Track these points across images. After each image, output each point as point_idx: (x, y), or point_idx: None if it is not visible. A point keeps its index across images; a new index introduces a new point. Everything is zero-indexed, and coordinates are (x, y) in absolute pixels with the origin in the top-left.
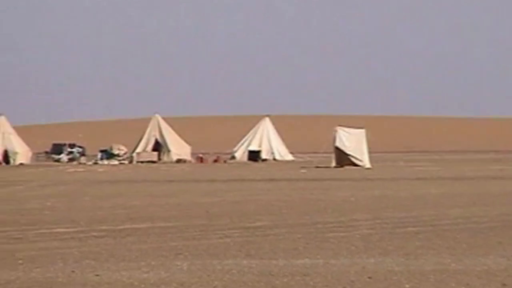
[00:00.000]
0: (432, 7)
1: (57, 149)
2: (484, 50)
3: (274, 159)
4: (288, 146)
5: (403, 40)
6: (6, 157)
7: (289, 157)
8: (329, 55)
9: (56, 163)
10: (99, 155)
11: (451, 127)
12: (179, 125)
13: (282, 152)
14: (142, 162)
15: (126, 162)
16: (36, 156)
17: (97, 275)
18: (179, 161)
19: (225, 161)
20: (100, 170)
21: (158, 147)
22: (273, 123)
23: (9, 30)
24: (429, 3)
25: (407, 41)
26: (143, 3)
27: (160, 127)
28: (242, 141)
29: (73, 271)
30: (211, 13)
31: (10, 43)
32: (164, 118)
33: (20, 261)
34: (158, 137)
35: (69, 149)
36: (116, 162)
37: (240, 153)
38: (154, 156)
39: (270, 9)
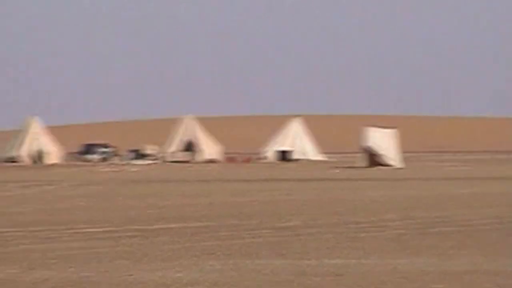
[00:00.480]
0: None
1: (89, 149)
2: None
3: (305, 159)
4: (319, 146)
5: (435, 40)
6: (39, 157)
7: (320, 157)
8: (361, 55)
9: (88, 163)
10: (131, 155)
11: (482, 127)
12: (211, 125)
13: (313, 152)
14: (174, 162)
15: (158, 162)
16: (68, 156)
17: (130, 275)
18: (210, 161)
19: (256, 161)
20: (132, 170)
21: (189, 147)
22: (304, 123)
23: (44, 34)
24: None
25: (439, 42)
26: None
27: (192, 127)
28: (273, 141)
29: (106, 271)
30: (243, 14)
31: (45, 46)
32: (196, 118)
33: (54, 261)
34: (190, 137)
35: (101, 149)
36: (148, 162)
37: (271, 153)
38: (186, 156)
39: (309, 9)
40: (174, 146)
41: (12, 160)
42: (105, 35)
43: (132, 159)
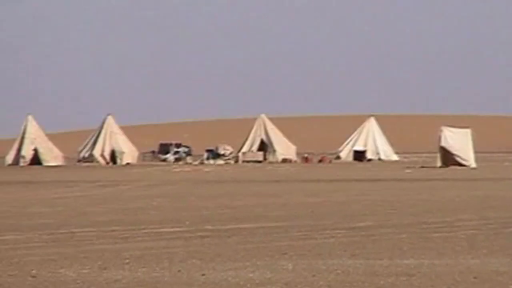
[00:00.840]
0: None
1: (164, 149)
2: None
3: (379, 159)
4: (393, 146)
5: (506, 40)
6: (113, 157)
7: (395, 157)
8: (435, 54)
9: (163, 163)
10: (205, 155)
11: None
12: (285, 125)
13: (387, 152)
14: (247, 162)
15: (232, 162)
16: (142, 155)
17: (203, 275)
18: (284, 161)
19: (330, 161)
20: (206, 170)
21: (263, 147)
22: (378, 123)
23: (116, 33)
24: None
25: (510, 42)
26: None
27: (265, 127)
28: (347, 141)
29: (179, 271)
30: (313, 13)
31: (120, 44)
32: (269, 118)
33: (127, 261)
34: (263, 137)
35: (176, 149)
36: (222, 162)
37: (345, 153)
38: (259, 156)
39: (366, 10)
40: (248, 146)
41: (86, 160)
42: (182, 35)
43: (207, 159)
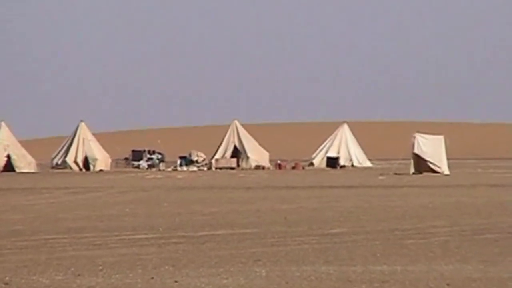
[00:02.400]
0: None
1: (137, 155)
2: None
3: (353, 165)
4: (366, 152)
5: (479, 48)
6: (86, 164)
7: (368, 163)
8: (406, 62)
9: (136, 170)
10: (178, 161)
11: None
12: (258, 131)
13: (360, 159)
14: (220, 168)
15: (205, 168)
16: (115, 162)
17: (176, 282)
18: (257, 167)
19: (303, 168)
20: (179, 176)
21: (236, 153)
22: (351, 130)
23: (89, 40)
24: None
25: (483, 50)
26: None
27: (238, 134)
28: (320, 148)
29: (152, 278)
30: (285, 22)
31: (90, 53)
32: (242, 125)
33: (100, 267)
34: (236, 143)
35: (149, 156)
36: (195, 169)
37: (319, 160)
38: (232, 162)
39: (355, 13)
40: (221, 153)
41: (59, 167)
42: (153, 43)
43: (180, 165)
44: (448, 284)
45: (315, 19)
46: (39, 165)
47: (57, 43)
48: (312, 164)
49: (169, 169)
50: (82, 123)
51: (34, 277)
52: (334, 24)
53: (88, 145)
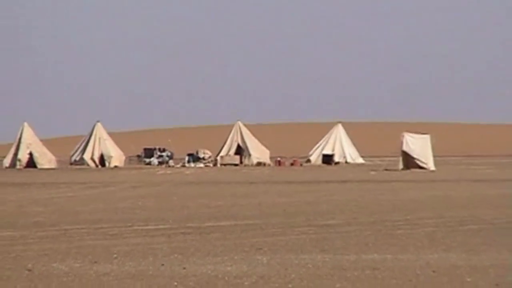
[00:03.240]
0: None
1: (148, 153)
2: None
3: (346, 162)
4: (359, 150)
5: (464, 53)
6: (102, 160)
7: (360, 160)
8: (396, 68)
9: (147, 166)
10: (186, 158)
11: (508, 133)
12: (259, 131)
13: (353, 156)
14: (225, 165)
15: (210, 165)
16: (129, 159)
17: (184, 268)
18: (259, 164)
19: (301, 164)
20: (187, 172)
21: (240, 151)
22: (345, 129)
23: (106, 45)
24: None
25: (468, 55)
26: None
27: (241, 133)
28: (316, 146)
29: (162, 265)
30: (284, 30)
31: (106, 59)
32: (245, 125)
33: (115, 256)
34: (240, 142)
35: (159, 153)
36: (202, 165)
37: (315, 157)
38: (236, 159)
39: (354, 23)
40: (225, 150)
41: (78, 163)
42: (166, 49)
43: (188, 162)
44: (434, 271)
45: (306, 30)
46: (58, 161)
47: (76, 52)
48: (309, 161)
49: (178, 166)
50: (98, 123)
51: (54, 265)
52: (329, 31)
53: (103, 144)
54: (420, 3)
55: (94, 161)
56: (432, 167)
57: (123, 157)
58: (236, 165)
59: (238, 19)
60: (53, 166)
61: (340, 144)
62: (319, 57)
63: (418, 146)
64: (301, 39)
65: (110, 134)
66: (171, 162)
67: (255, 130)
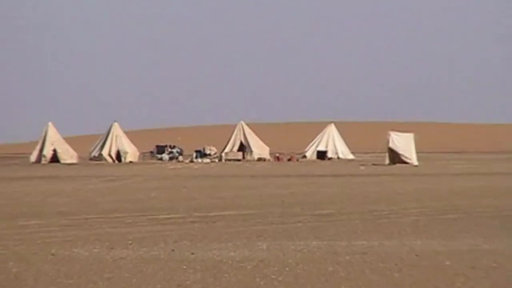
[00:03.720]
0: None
1: (160, 149)
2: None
3: (338, 158)
4: (349, 147)
5: (446, 55)
6: (118, 156)
7: (351, 156)
8: (383, 72)
9: (159, 161)
10: (194, 154)
11: (484, 132)
12: (260, 130)
13: (344, 152)
14: (229, 160)
15: (216, 160)
16: (142, 155)
17: (192, 253)
18: (259, 159)
19: (297, 160)
20: (195, 167)
21: (242, 148)
22: (337, 128)
23: (120, 45)
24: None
25: (450, 57)
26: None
27: (244, 132)
28: (312, 143)
29: (173, 250)
30: (287, 34)
31: (124, 59)
32: (247, 124)
33: (130, 242)
34: (242, 139)
35: (170, 150)
36: (208, 160)
37: (310, 153)
38: (239, 155)
39: (346, 28)
40: (229, 147)
41: (96, 159)
42: (177, 55)
43: (195, 158)
44: (417, 256)
45: (302, 36)
46: (79, 157)
47: (96, 61)
48: (305, 156)
49: (187, 161)
50: (115, 123)
51: (75, 250)
52: (320, 38)
53: (120, 141)
54: (416, 5)
55: (111, 157)
56: (415, 162)
57: (137, 153)
58: (239, 160)
59: (242, 27)
60: (74, 162)
61: (332, 141)
62: (315, 63)
63: (403, 143)
64: (299, 47)
65: (126, 133)
66: (180, 158)
67: (256, 129)
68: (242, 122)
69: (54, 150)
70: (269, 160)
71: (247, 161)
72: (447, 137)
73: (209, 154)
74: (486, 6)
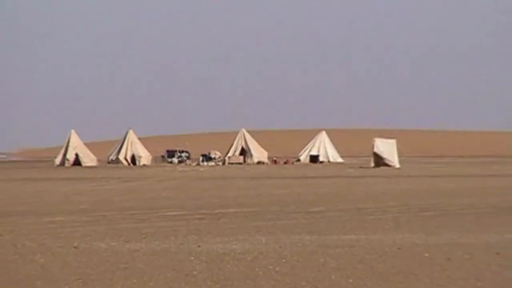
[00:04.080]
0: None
1: (170, 154)
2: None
3: (329, 161)
4: (339, 151)
5: (429, 66)
6: (133, 160)
7: (340, 160)
8: (372, 84)
9: (169, 164)
10: (200, 158)
11: (461, 138)
12: (259, 136)
13: (334, 156)
14: (231, 163)
15: (220, 163)
16: (155, 159)
17: (199, 246)
18: (259, 163)
19: (292, 163)
20: (201, 169)
21: (243, 152)
22: (328, 135)
23: (136, 57)
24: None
25: (434, 68)
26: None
27: (245, 138)
28: (305, 148)
29: (181, 243)
30: (286, 45)
31: (138, 75)
32: (248, 131)
33: (144, 236)
34: (243, 145)
35: (179, 154)
36: (213, 164)
37: (304, 157)
38: (240, 159)
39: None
40: (232, 152)
41: (114, 162)
42: (183, 66)
43: (201, 161)
44: (399, 248)
45: (294, 46)
46: (99, 161)
47: (113, 73)
48: (299, 160)
49: (194, 164)
50: (131, 130)
51: (95, 243)
52: (312, 55)
53: (134, 146)
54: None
55: (127, 160)
56: (398, 165)
57: (150, 157)
58: (240, 163)
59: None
60: (94, 164)
61: (324, 146)
62: (308, 77)
63: (386, 148)
64: (294, 67)
65: (140, 139)
66: (188, 161)
67: (256, 135)
68: (243, 130)
69: (76, 154)
70: (267, 163)
71: (247, 164)
72: (427, 142)
73: (214, 158)
74: (451, 21)
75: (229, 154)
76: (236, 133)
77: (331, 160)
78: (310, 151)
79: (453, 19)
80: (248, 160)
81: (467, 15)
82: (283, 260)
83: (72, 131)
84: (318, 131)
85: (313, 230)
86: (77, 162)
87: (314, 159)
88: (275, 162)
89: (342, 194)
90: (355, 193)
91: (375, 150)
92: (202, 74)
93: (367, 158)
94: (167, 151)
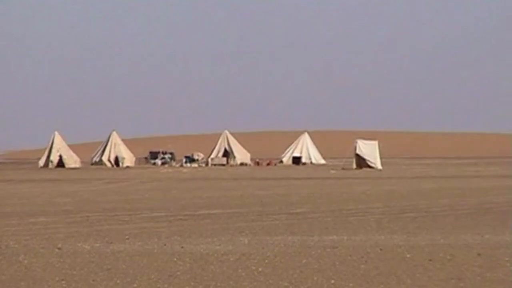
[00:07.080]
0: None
1: (154, 155)
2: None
3: (311, 163)
4: (321, 153)
5: (413, 68)
6: (117, 161)
7: (322, 161)
8: (353, 87)
9: (153, 166)
10: (184, 159)
11: (441, 139)
12: (242, 137)
13: (317, 158)
14: (214, 165)
15: (203, 165)
16: (138, 160)
17: (182, 247)
18: (241, 164)
19: (275, 164)
20: (184, 171)
21: (226, 154)
22: (311, 136)
23: (120, 59)
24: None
25: (417, 70)
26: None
27: (228, 139)
28: (287, 150)
29: (164, 244)
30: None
31: (121, 77)
32: (231, 133)
33: (127, 237)
34: (226, 146)
35: (162, 155)
36: (196, 165)
37: (286, 158)
38: (223, 160)
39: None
40: (215, 153)
41: (97, 164)
42: (169, 68)
43: (185, 162)
44: (381, 249)
45: (282, 49)
46: (82, 162)
47: (96, 73)
48: (281, 161)
49: (177, 165)
50: (114, 132)
51: (79, 244)
52: (294, 59)
53: (118, 148)
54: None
55: (110, 162)
56: (379, 167)
57: (134, 159)
58: (223, 165)
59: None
60: (78, 166)
61: (306, 148)
62: (292, 79)
63: (368, 150)
64: (276, 68)
65: (123, 140)
66: (172, 163)
67: (238, 137)
68: (226, 131)
69: (60, 156)
70: (250, 164)
71: (230, 165)
72: (408, 144)
73: (197, 159)
74: (437, 27)
75: (212, 156)
76: (219, 134)
77: (314, 161)
78: (292, 152)
79: (434, 19)
80: (231, 162)
81: (446, 14)
82: (266, 261)
83: (56, 133)
84: (300, 132)
85: (295, 231)
86: (60, 163)
87: (296, 160)
88: (257, 163)
89: (325, 196)
90: (337, 194)
91: (357, 151)
92: (186, 76)
93: (349, 159)
94: (150, 152)
